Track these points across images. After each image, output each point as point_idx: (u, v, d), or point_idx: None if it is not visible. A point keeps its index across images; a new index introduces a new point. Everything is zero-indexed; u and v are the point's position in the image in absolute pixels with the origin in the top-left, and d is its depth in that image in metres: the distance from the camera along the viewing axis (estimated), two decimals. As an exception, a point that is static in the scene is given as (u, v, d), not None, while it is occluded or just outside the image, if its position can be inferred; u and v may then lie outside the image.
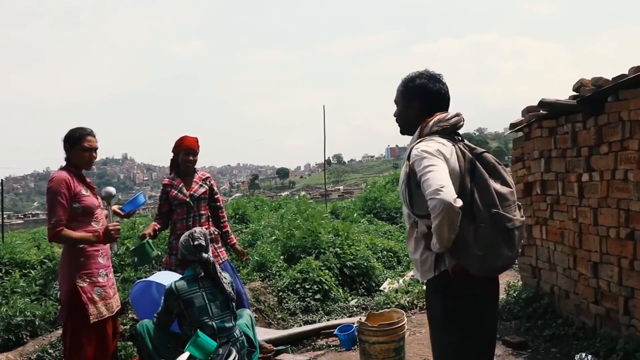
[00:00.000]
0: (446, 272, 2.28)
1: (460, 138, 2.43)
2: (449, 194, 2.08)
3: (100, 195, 3.71)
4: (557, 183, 4.80)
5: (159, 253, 4.65)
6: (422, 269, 2.38)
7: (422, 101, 2.46)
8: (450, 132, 2.39)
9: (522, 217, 2.30)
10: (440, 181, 2.11)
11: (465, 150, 2.32)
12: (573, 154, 4.46)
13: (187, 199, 4.37)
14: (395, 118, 2.61)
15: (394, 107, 2.62)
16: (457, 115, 2.43)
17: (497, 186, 2.25)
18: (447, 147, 2.30)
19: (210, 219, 4.54)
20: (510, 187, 2.30)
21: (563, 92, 5.48)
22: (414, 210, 2.32)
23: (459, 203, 2.10)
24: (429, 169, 2.17)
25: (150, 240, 4.13)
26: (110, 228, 3.48)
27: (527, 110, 5.08)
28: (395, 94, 2.59)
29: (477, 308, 2.34)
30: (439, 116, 2.40)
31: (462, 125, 2.44)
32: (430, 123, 2.38)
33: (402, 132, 2.61)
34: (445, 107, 2.49)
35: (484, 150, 2.36)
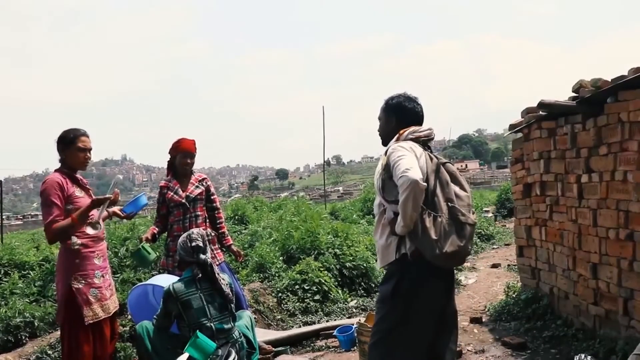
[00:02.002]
0: (405, 256, 2.65)
1: (430, 149, 2.86)
2: (416, 173, 2.52)
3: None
4: (556, 184, 4.80)
5: (157, 255, 4.65)
6: (385, 252, 2.74)
7: (398, 116, 2.93)
8: (423, 142, 2.84)
9: (475, 219, 2.70)
10: (409, 164, 2.55)
11: (433, 157, 2.76)
12: (572, 155, 4.46)
13: (183, 200, 4.37)
14: (378, 132, 3.06)
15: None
16: (429, 129, 2.88)
17: (456, 189, 2.70)
18: (418, 149, 2.74)
19: (207, 220, 4.53)
20: (467, 192, 2.74)
21: (562, 93, 5.48)
22: (385, 195, 2.73)
23: (424, 183, 2.55)
24: (400, 157, 2.61)
25: (146, 244, 4.12)
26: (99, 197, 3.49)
27: (527, 112, 5.08)
28: (378, 112, 3.04)
29: (427, 296, 2.68)
30: (413, 128, 2.86)
31: (432, 138, 2.90)
32: (406, 132, 2.84)
33: (384, 144, 3.00)
34: (419, 123, 2.94)
35: (447, 160, 2.83)
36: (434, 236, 2.53)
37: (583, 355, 3.76)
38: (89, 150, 3.58)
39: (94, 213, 3.52)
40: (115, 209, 3.87)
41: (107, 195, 3.52)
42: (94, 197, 3.65)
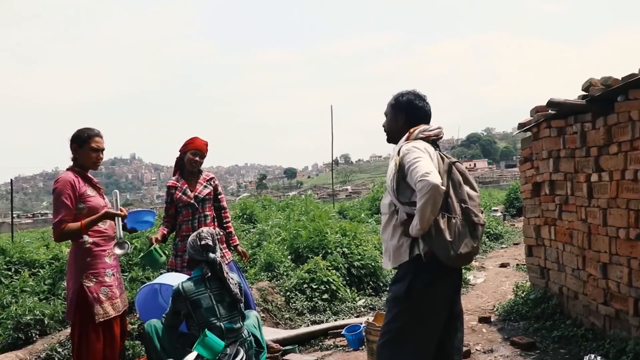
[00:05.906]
0: (418, 257, 2.63)
1: (439, 148, 2.84)
2: (436, 177, 2.46)
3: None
4: (565, 183, 4.77)
5: (167, 256, 4.67)
6: (397, 253, 2.73)
7: (407, 114, 2.89)
8: (432, 141, 2.81)
9: (485, 219, 2.71)
10: (428, 168, 2.50)
11: (444, 156, 2.74)
12: (582, 154, 4.44)
13: (192, 201, 4.37)
14: (383, 128, 3.03)
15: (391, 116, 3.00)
16: (439, 127, 2.85)
17: (467, 188, 2.68)
18: (430, 149, 2.71)
19: (215, 220, 4.54)
20: (477, 192, 2.74)
21: (572, 92, 5.45)
22: (399, 197, 2.68)
23: (444, 186, 2.52)
24: (417, 159, 2.56)
25: (157, 246, 4.13)
26: (113, 212, 3.51)
27: (536, 110, 5.05)
28: (385, 107, 3.00)
29: (439, 296, 2.70)
30: (424, 126, 2.82)
31: (442, 137, 2.87)
32: (417, 131, 2.79)
33: (388, 141, 3.00)
34: (427, 122, 2.90)
35: (457, 160, 2.79)
36: (448, 238, 2.52)
37: (593, 356, 3.74)
38: (102, 150, 3.62)
39: (109, 229, 3.56)
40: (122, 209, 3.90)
41: (120, 213, 3.55)
42: (104, 196, 3.69)
